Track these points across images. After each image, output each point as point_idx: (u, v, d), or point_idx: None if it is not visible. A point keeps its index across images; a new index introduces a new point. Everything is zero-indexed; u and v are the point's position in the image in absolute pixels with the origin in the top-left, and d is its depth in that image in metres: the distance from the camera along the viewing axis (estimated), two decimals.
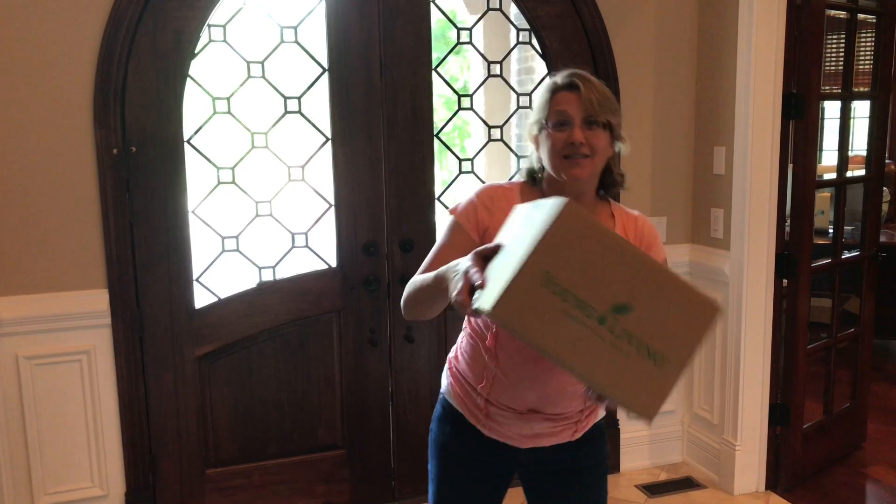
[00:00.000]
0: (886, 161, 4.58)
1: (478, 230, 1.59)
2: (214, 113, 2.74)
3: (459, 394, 1.70)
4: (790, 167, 3.06)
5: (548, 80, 1.61)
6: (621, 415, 3.35)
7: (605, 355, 1.10)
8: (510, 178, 1.67)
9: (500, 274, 1.14)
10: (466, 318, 1.70)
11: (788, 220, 3.09)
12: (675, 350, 1.12)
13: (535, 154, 1.65)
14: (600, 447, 1.77)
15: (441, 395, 1.78)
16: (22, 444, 2.61)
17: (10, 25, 2.45)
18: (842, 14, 3.30)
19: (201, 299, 2.80)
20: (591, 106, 1.52)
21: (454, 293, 1.25)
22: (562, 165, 1.54)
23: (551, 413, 1.62)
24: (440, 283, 1.39)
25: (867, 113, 3.45)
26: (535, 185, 1.67)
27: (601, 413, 1.75)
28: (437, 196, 3.02)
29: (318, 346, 2.92)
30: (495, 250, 1.24)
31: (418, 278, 1.54)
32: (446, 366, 1.78)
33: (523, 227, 1.19)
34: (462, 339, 1.74)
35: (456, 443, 1.73)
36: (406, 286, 1.58)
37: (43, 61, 2.50)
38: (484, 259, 1.24)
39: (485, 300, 1.12)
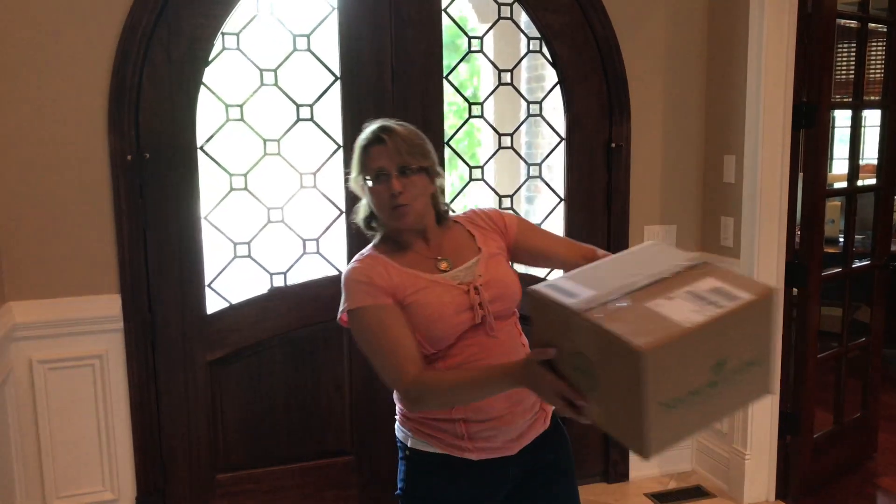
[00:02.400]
0: None
1: (387, 294, 1.59)
2: (227, 120, 2.76)
3: (433, 434, 1.66)
4: (800, 176, 3.06)
5: (359, 140, 1.69)
6: None
7: (728, 394, 1.27)
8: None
9: (611, 405, 1.27)
10: None
11: (798, 229, 3.09)
12: (763, 346, 1.29)
13: (365, 201, 1.71)
14: (564, 437, 1.81)
15: (409, 451, 1.71)
16: (35, 448, 2.63)
17: (26, 34, 2.49)
18: (852, 23, 3.30)
19: (213, 305, 2.82)
20: (401, 157, 1.61)
21: (557, 410, 1.37)
22: (391, 216, 1.63)
23: (519, 403, 1.64)
24: (499, 390, 1.52)
25: (878, 122, 3.44)
26: (381, 238, 1.71)
27: None
28: (447, 204, 3.02)
29: (328, 352, 2.94)
30: (550, 355, 1.33)
31: (444, 385, 1.54)
32: (398, 420, 1.75)
33: (587, 350, 1.28)
34: None
35: (452, 488, 1.68)
36: (428, 385, 1.54)
37: (58, 68, 2.53)
38: (552, 367, 1.34)
39: (636, 447, 1.25)
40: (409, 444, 1.72)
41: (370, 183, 1.64)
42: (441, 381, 1.55)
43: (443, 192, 1.77)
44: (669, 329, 1.18)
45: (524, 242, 1.79)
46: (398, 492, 1.75)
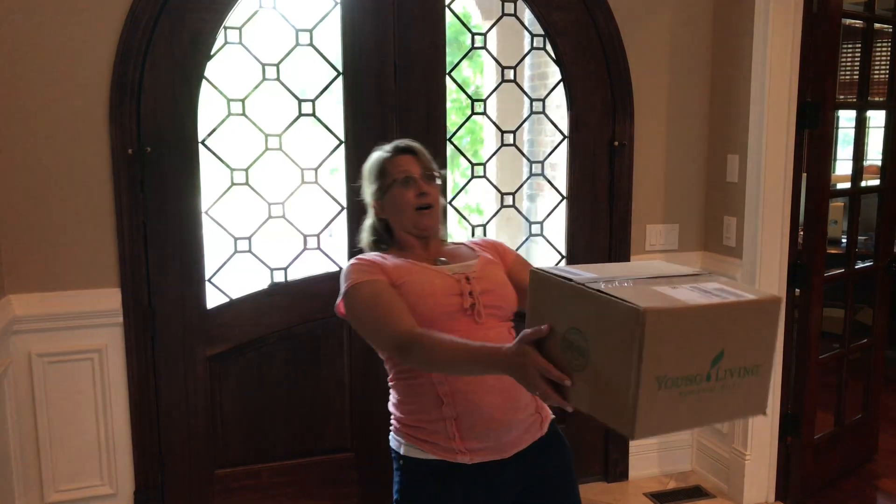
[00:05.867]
0: None
1: (384, 274, 1.67)
2: (229, 114, 2.75)
3: (426, 439, 1.66)
4: (804, 176, 3.04)
5: (378, 154, 1.84)
6: None
7: (722, 398, 1.24)
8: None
9: (599, 382, 1.23)
10: (389, 368, 1.76)
11: (801, 230, 3.08)
12: (763, 355, 1.26)
13: (374, 220, 1.85)
14: (565, 447, 1.79)
15: (403, 461, 1.71)
16: (33, 441, 2.62)
17: (28, 26, 2.48)
18: (858, 23, 3.28)
19: (213, 300, 2.81)
20: (426, 164, 1.80)
21: (541, 396, 1.33)
22: (416, 218, 1.75)
23: (513, 400, 1.63)
24: (485, 368, 1.47)
25: (882, 123, 3.43)
26: (381, 249, 1.85)
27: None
28: (449, 200, 3.02)
29: (329, 349, 2.93)
30: (544, 333, 1.30)
31: (436, 341, 1.52)
32: (392, 429, 1.76)
33: (583, 322, 1.25)
34: (394, 390, 1.75)
35: (447, 496, 1.66)
36: (412, 340, 1.55)
37: (60, 61, 2.52)
38: (539, 347, 1.31)
39: (623, 424, 1.19)
40: (402, 453, 1.71)
41: (397, 186, 1.76)
42: (434, 337, 1.54)
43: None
44: (672, 302, 1.18)
45: (516, 275, 1.82)
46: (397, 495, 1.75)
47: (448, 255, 1.81)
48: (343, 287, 1.68)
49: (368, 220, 1.88)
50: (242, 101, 2.75)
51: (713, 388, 1.21)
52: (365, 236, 1.89)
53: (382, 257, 1.75)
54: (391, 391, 1.78)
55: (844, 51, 4.65)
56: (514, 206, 3.24)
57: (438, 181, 1.82)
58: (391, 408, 1.77)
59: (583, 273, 1.31)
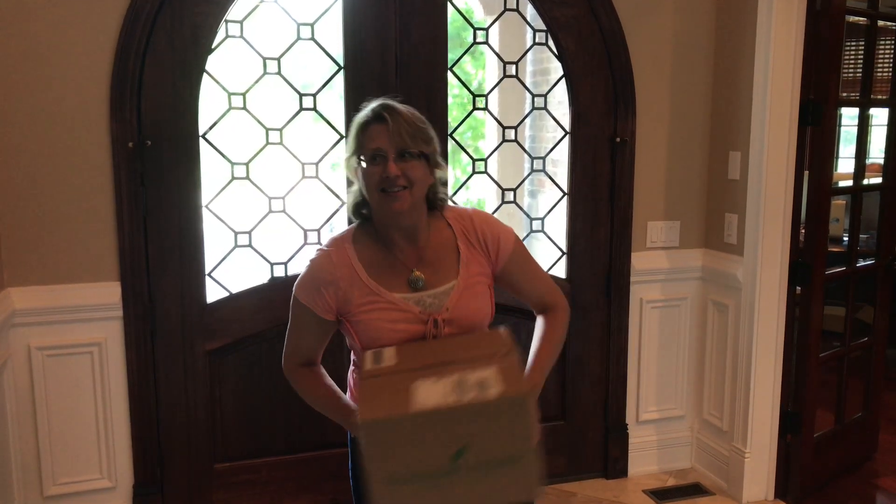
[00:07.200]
0: None
1: (333, 312, 1.67)
2: (230, 108, 2.75)
3: None
4: (806, 174, 3.03)
5: (360, 117, 1.59)
6: (630, 418, 3.33)
7: (479, 487, 1.29)
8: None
9: None
10: (353, 354, 1.79)
11: (803, 227, 3.07)
12: (518, 446, 1.30)
13: (357, 186, 1.65)
14: None
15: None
16: (32, 435, 2.62)
17: (29, 18, 2.47)
18: (861, 20, 3.27)
19: (213, 294, 2.81)
20: (402, 139, 1.51)
21: None
22: (382, 200, 1.54)
23: None
24: (345, 426, 1.73)
25: (885, 121, 3.42)
26: (365, 226, 1.66)
27: None
28: (450, 196, 3.01)
29: (329, 343, 2.91)
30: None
31: (315, 393, 1.76)
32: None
33: None
34: (353, 378, 1.76)
35: None
36: (294, 379, 1.78)
37: (60, 55, 2.51)
38: None
39: None
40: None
41: (364, 164, 1.54)
42: (304, 387, 1.76)
43: (444, 184, 1.69)
44: (402, 407, 1.25)
45: (508, 275, 1.71)
46: (351, 480, 1.79)
47: (431, 261, 1.62)
48: (297, 284, 1.69)
49: (355, 185, 1.66)
50: (243, 95, 2.75)
51: (462, 479, 1.28)
52: (350, 200, 1.68)
53: (353, 268, 1.60)
54: (350, 377, 1.81)
55: (847, 48, 4.63)
56: (514, 202, 3.23)
57: (420, 157, 1.55)
58: (347, 393, 1.81)
59: (389, 360, 1.43)
